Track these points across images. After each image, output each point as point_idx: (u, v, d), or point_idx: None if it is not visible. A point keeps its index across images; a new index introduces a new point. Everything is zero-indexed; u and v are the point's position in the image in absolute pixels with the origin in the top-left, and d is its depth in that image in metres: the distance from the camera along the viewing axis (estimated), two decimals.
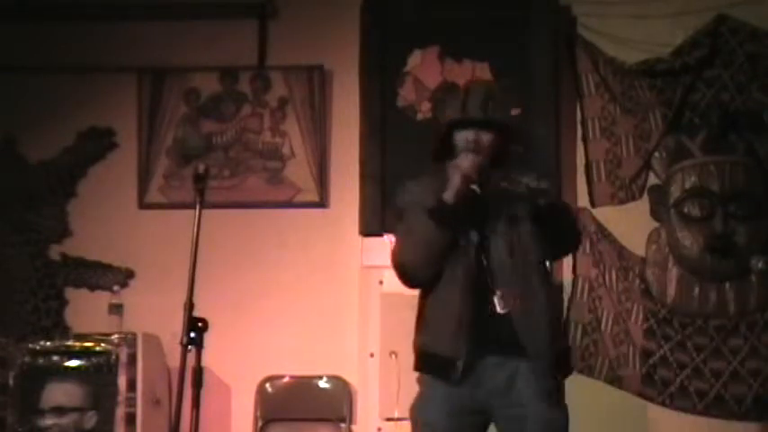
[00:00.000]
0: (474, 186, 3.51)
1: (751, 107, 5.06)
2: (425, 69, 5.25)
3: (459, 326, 3.48)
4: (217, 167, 5.25)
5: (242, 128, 5.37)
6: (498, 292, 3.46)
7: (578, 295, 5.06)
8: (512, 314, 3.46)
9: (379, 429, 4.99)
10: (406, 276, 3.63)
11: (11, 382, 4.86)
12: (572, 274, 5.08)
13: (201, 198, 3.47)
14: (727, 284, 4.99)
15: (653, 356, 4.96)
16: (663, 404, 4.95)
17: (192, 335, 3.33)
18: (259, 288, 5.23)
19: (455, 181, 3.49)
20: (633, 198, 5.11)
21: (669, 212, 5.06)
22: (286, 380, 5.18)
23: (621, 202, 5.11)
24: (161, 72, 5.41)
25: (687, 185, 5.05)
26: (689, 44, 5.09)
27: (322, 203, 5.30)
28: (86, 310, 5.29)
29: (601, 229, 5.08)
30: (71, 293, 5.39)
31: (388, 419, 4.84)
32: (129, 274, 5.35)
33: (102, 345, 4.86)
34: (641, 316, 5.01)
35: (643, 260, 5.06)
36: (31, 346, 4.93)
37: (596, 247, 5.06)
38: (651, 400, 4.96)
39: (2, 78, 5.44)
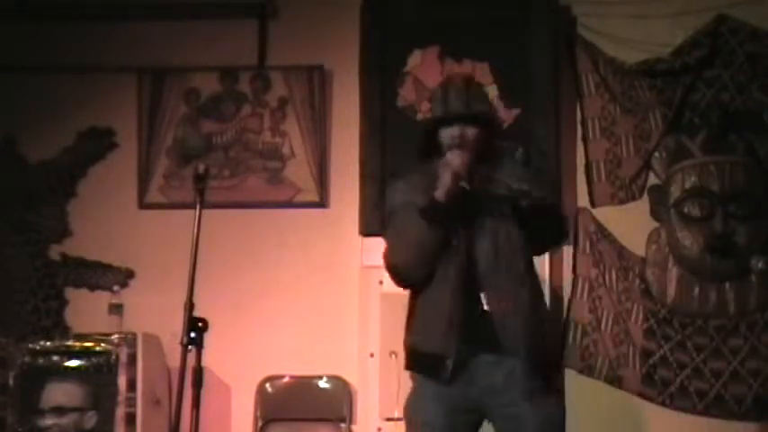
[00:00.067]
0: (463, 183, 3.51)
1: (751, 107, 5.06)
2: (425, 69, 5.24)
3: (450, 325, 3.48)
4: (217, 167, 5.25)
5: (242, 128, 5.37)
6: (484, 293, 3.47)
7: (578, 295, 5.06)
8: (494, 314, 3.46)
9: (379, 429, 4.99)
10: (400, 277, 3.63)
11: (11, 382, 4.86)
12: (572, 274, 5.08)
13: (201, 198, 3.48)
14: (727, 284, 4.99)
15: (653, 356, 4.96)
16: (663, 404, 4.95)
17: (192, 335, 3.34)
18: (259, 288, 5.23)
19: (446, 179, 3.49)
20: (633, 198, 5.11)
21: (669, 212, 5.06)
22: (286, 380, 5.18)
23: (621, 202, 5.11)
24: (161, 72, 5.41)
25: (687, 185, 5.05)
26: (689, 44, 5.09)
27: (322, 203, 5.29)
28: (86, 310, 5.29)
29: (601, 229, 5.08)
30: (71, 293, 5.39)
31: (388, 419, 4.84)
32: (129, 274, 5.35)
33: (102, 345, 4.85)
34: (641, 316, 5.01)
35: (643, 260, 5.06)
36: (31, 346, 4.92)
37: (596, 247, 5.06)
38: (651, 400, 4.96)
39: (2, 78, 5.44)
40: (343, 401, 5.10)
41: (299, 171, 5.31)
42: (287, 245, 5.28)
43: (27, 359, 4.88)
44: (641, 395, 4.97)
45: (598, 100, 5.15)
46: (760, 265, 4.69)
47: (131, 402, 4.80)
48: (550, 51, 5.18)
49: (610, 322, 5.01)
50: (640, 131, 5.10)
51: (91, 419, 4.81)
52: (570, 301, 5.06)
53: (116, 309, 5.05)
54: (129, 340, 4.86)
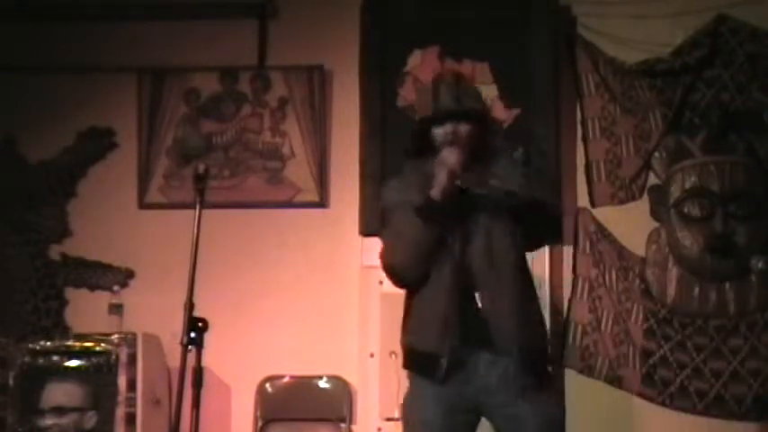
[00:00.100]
0: (458, 181, 3.50)
1: (751, 107, 5.06)
2: (425, 69, 5.23)
3: (445, 324, 3.48)
4: (217, 167, 5.25)
5: (242, 128, 5.37)
6: (478, 292, 3.47)
7: (578, 295, 5.06)
8: (487, 314, 3.46)
9: (379, 429, 4.99)
10: (397, 277, 3.63)
11: (11, 382, 4.86)
12: (572, 274, 5.08)
13: (201, 198, 3.48)
14: (727, 284, 4.99)
15: (653, 356, 4.96)
16: (663, 404, 4.95)
17: (192, 335, 3.34)
18: (259, 288, 5.23)
19: (441, 177, 3.48)
20: (633, 198, 5.11)
21: (669, 212, 5.06)
22: (286, 380, 5.18)
23: (621, 202, 5.11)
24: (161, 72, 5.41)
25: (687, 185, 5.05)
26: (689, 44, 5.09)
27: (322, 203, 5.29)
28: (86, 310, 5.29)
29: (601, 229, 5.08)
30: (71, 293, 5.39)
31: (388, 419, 4.84)
32: (129, 274, 5.35)
33: (102, 345, 4.85)
34: (641, 316, 5.01)
35: (643, 260, 5.06)
36: (31, 346, 4.92)
37: (596, 247, 5.06)
38: (651, 400, 4.96)
39: (2, 78, 5.44)
40: (343, 401, 5.10)
41: (299, 171, 5.31)
42: (287, 245, 5.28)
43: (27, 359, 4.88)
44: (641, 395, 4.97)
45: (598, 100, 5.15)
46: (760, 265, 4.68)
47: (131, 402, 4.80)
48: (550, 51, 5.18)
49: (610, 322, 5.01)
50: (640, 131, 5.10)
51: (91, 419, 4.81)
52: (570, 301, 5.06)
53: (116, 309, 5.05)
54: (129, 340, 4.86)
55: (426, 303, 3.55)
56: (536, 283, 4.82)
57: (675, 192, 5.06)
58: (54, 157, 5.45)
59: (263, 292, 5.22)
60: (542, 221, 3.64)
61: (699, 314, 4.99)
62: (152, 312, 5.00)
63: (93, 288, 5.36)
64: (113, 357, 4.82)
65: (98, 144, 5.46)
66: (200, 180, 3.48)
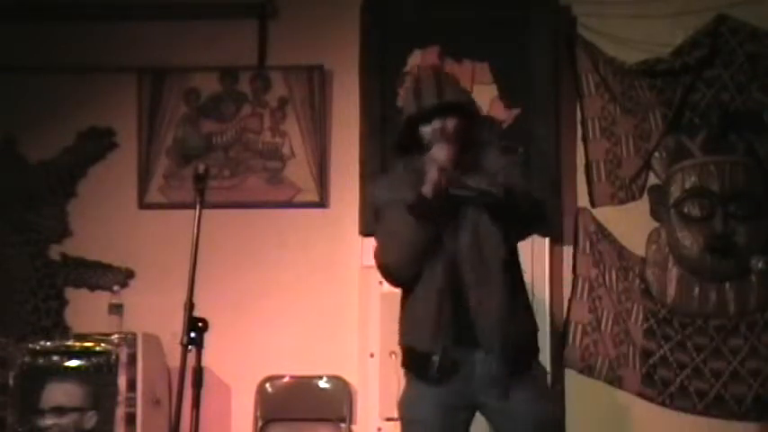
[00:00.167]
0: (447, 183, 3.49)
1: (751, 107, 5.06)
2: None
3: (437, 324, 3.48)
4: (217, 167, 5.25)
5: (242, 128, 5.37)
6: (469, 291, 3.46)
7: (578, 295, 5.06)
8: (477, 312, 3.46)
9: (379, 429, 4.99)
10: (392, 276, 3.62)
11: (11, 382, 4.86)
12: (572, 274, 5.08)
13: (201, 198, 3.48)
14: (727, 284, 4.99)
15: (653, 356, 4.96)
16: (663, 404, 4.95)
17: (192, 335, 3.34)
18: (259, 288, 5.23)
19: (432, 174, 3.46)
20: (633, 198, 5.11)
21: (669, 212, 5.06)
22: (286, 380, 5.18)
23: (621, 202, 5.11)
24: (161, 72, 5.41)
25: (687, 185, 5.05)
26: (689, 44, 5.09)
27: (322, 203, 5.29)
28: (86, 310, 5.29)
29: (601, 229, 5.08)
30: (71, 293, 5.39)
31: (388, 419, 4.83)
32: (129, 274, 5.35)
33: (102, 345, 4.85)
34: (641, 316, 5.01)
35: (643, 260, 5.06)
36: (31, 346, 4.92)
37: (596, 247, 5.06)
38: (651, 400, 4.96)
39: (2, 78, 5.44)
40: (343, 401, 5.10)
41: (299, 171, 5.31)
42: (287, 245, 5.28)
43: (27, 359, 4.88)
44: (641, 395, 4.97)
45: (598, 100, 5.15)
46: (760, 265, 4.68)
47: (131, 402, 4.80)
48: (550, 51, 5.17)
49: (610, 322, 5.02)
50: (640, 131, 5.10)
51: (91, 419, 4.81)
52: (570, 301, 5.06)
53: (116, 309, 5.05)
54: (129, 340, 4.86)
55: (419, 303, 3.54)
56: (536, 283, 4.86)
57: (675, 192, 5.06)
58: (54, 157, 5.45)
59: (263, 292, 5.22)
60: (525, 210, 3.55)
61: (699, 314, 4.99)
62: (152, 312, 5.00)
63: (93, 288, 5.36)
64: (113, 357, 4.82)
65: (98, 144, 5.45)
66: (200, 180, 3.49)
